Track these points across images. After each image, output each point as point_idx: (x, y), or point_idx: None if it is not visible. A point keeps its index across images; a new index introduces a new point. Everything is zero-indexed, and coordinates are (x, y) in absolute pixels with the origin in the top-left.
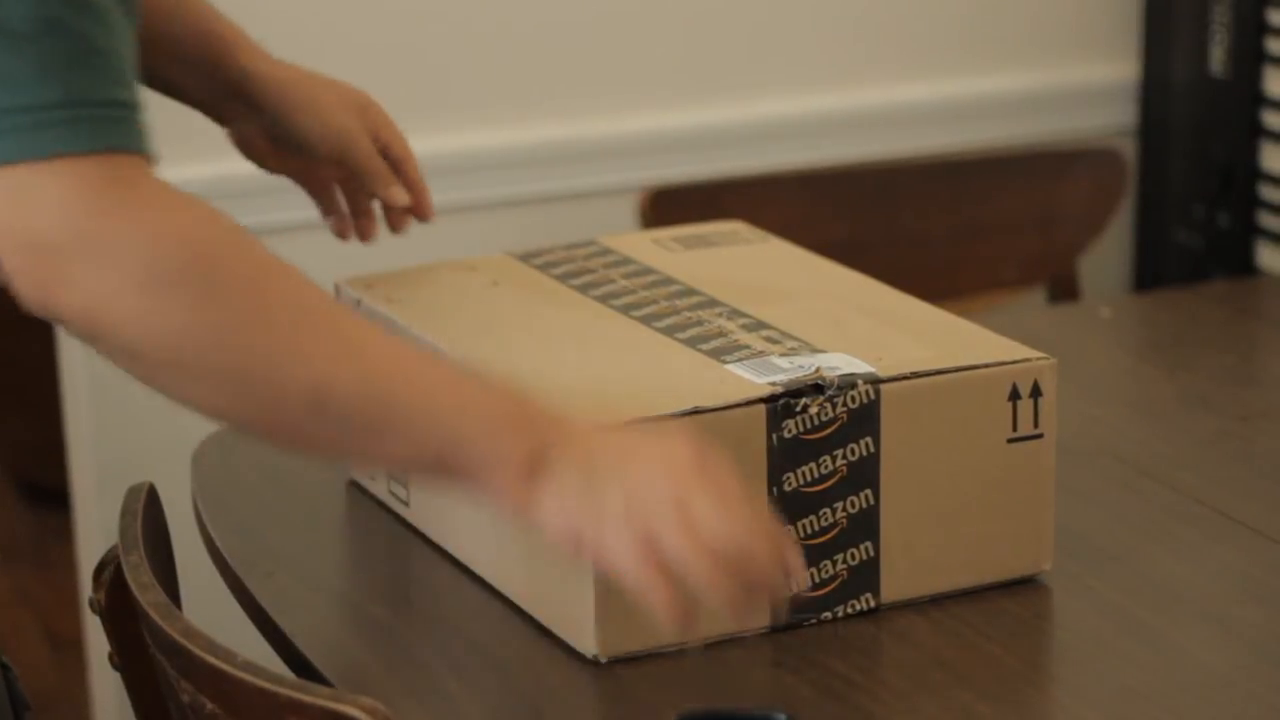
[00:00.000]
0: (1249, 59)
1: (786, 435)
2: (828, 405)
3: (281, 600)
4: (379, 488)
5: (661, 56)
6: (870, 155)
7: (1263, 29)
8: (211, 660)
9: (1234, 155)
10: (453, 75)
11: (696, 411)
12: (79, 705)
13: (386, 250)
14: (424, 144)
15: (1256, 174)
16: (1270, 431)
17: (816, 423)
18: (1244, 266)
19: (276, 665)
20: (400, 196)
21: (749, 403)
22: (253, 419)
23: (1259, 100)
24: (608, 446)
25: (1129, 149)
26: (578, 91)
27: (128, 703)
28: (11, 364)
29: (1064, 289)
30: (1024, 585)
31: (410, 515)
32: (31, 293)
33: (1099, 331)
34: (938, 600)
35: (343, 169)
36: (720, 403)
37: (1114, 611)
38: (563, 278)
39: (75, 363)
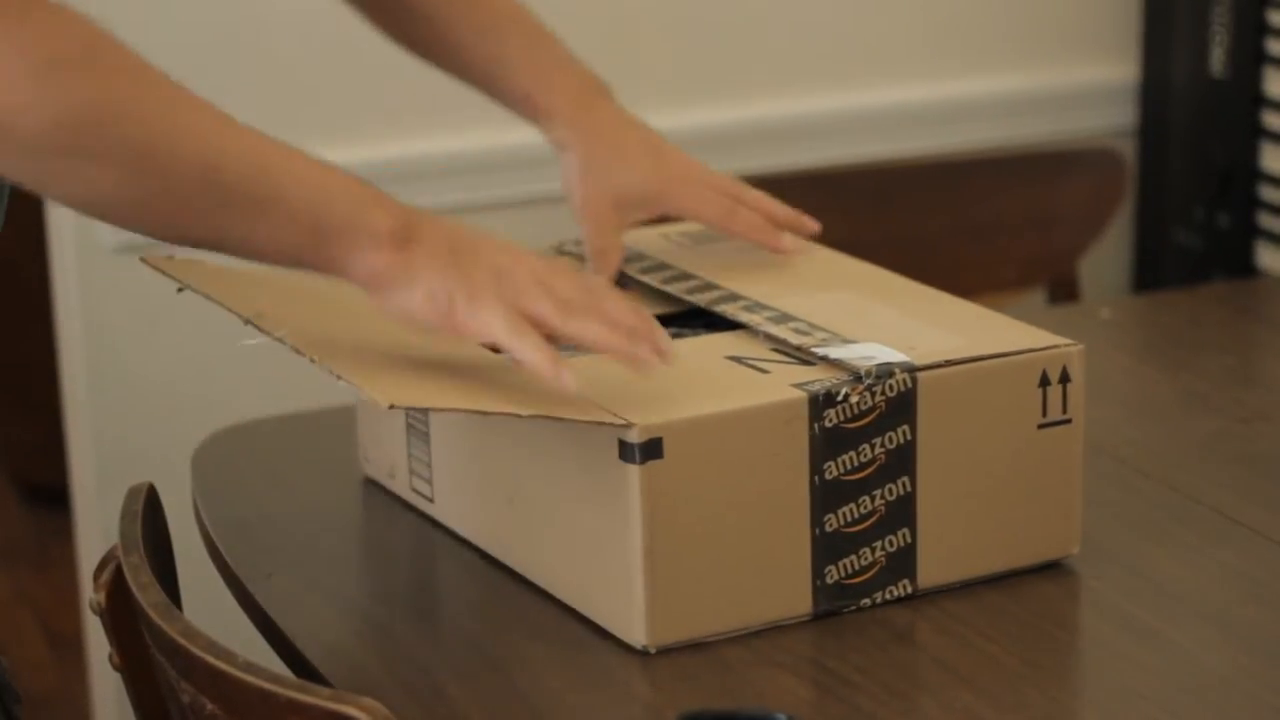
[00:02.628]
0: (1249, 60)
1: (827, 424)
2: (867, 394)
3: (281, 601)
4: (400, 485)
5: (661, 57)
6: (870, 155)
7: (1263, 30)
8: (212, 661)
9: (1234, 156)
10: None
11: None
12: (79, 706)
13: None
14: (426, 145)
15: (1256, 175)
16: (1270, 433)
17: (856, 411)
18: (1244, 267)
19: (277, 666)
20: None
21: (791, 393)
22: (144, 200)
23: (1259, 101)
24: (465, 232)
25: (1129, 150)
26: None
27: (128, 703)
28: (12, 364)
29: (1064, 290)
30: (1024, 586)
31: (435, 511)
32: None
33: (1099, 332)
34: (936, 600)
35: None
36: (764, 393)
37: (1114, 611)
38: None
39: (75, 363)
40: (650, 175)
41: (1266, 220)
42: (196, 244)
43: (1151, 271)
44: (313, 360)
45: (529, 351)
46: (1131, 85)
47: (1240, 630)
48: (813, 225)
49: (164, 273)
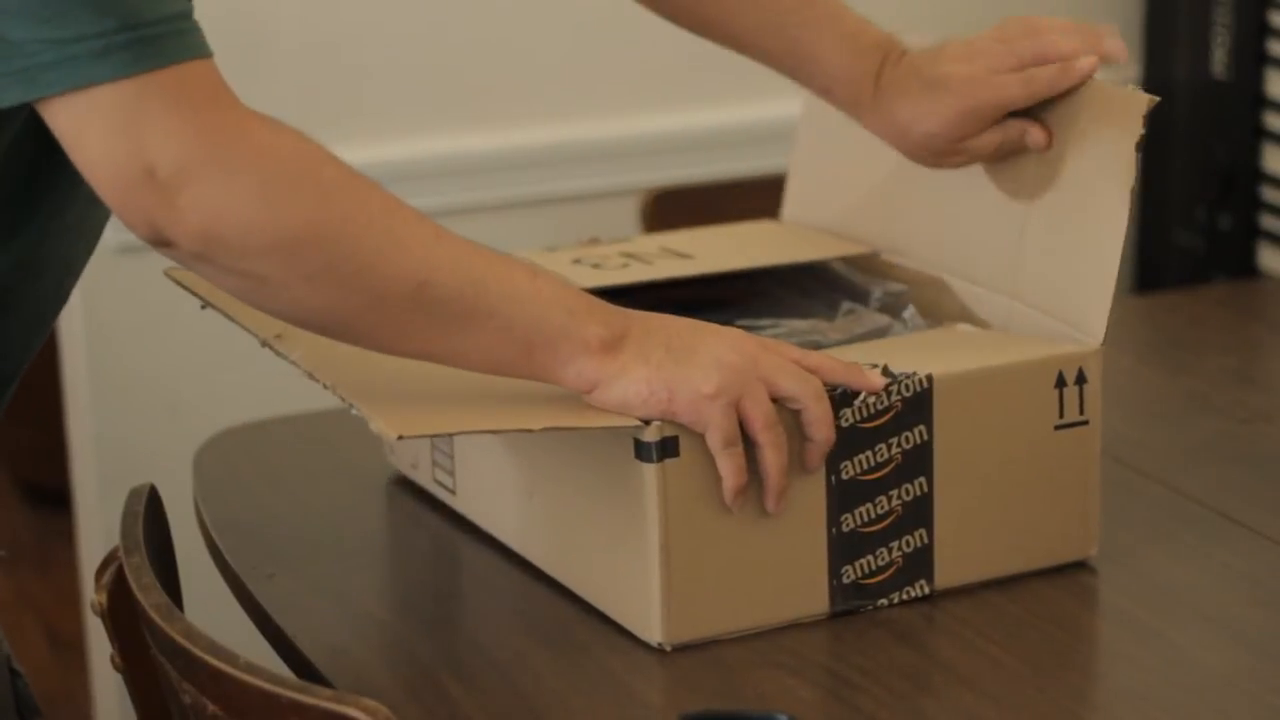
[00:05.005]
0: (1250, 61)
1: (844, 423)
2: (883, 393)
3: (283, 601)
4: (423, 477)
5: (663, 58)
6: None
7: (1264, 31)
8: (213, 662)
9: (1235, 157)
10: (456, 78)
11: None
12: (81, 707)
13: None
14: (426, 146)
15: (1258, 176)
16: (1271, 433)
17: (873, 411)
18: (1245, 268)
19: (278, 667)
20: None
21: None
22: (356, 315)
23: (1260, 102)
24: (681, 329)
25: None
26: (580, 94)
27: (129, 704)
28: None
29: None
30: (1025, 587)
31: (456, 504)
32: (144, 221)
33: None
34: (937, 601)
35: None
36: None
37: (1114, 612)
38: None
39: (76, 364)
40: (936, 116)
41: (1268, 221)
42: (404, 355)
43: (1153, 272)
44: (325, 386)
45: (727, 470)
46: (1133, 86)
47: (1242, 631)
48: (1114, 49)
49: (187, 289)
